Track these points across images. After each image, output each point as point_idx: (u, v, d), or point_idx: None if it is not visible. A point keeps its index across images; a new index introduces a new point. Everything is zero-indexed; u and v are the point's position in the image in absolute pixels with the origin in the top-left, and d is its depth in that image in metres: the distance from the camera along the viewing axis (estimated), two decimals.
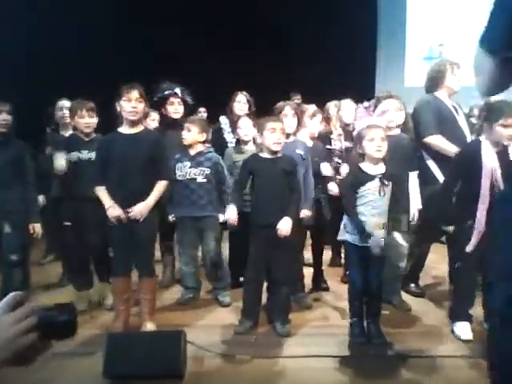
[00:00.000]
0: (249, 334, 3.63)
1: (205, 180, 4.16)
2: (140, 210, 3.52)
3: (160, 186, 3.62)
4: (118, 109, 3.60)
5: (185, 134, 4.20)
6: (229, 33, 8.22)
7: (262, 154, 3.72)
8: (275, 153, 3.66)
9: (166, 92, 4.63)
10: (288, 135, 3.98)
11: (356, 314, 3.53)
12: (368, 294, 3.51)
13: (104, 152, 3.61)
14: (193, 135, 4.19)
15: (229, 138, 5.00)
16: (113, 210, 3.50)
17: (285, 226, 3.55)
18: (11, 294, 0.98)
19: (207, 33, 8.24)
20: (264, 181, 3.64)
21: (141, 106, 3.59)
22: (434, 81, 4.31)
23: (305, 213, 3.97)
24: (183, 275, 4.37)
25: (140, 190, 3.54)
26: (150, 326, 3.64)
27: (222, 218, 4.15)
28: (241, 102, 5.03)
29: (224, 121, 5.12)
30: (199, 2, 8.46)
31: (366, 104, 4.42)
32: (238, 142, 4.65)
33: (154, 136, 3.79)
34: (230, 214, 3.73)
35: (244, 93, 5.07)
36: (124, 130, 3.63)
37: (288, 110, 4.16)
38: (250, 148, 4.43)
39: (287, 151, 3.80)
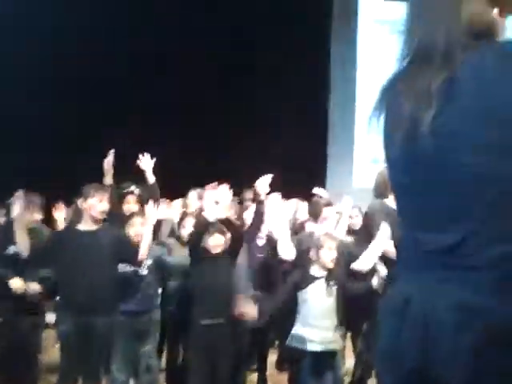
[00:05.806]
0: None
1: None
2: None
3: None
4: (84, 206, 3.54)
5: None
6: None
7: None
8: None
9: (124, 191, 4.64)
10: None
11: None
12: None
13: (57, 248, 3.50)
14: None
15: None
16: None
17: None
18: None
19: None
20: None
21: (108, 206, 3.56)
22: (382, 189, 4.41)
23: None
24: None
25: (103, 287, 3.42)
26: None
27: None
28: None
29: None
30: None
31: (337, 209, 4.46)
32: None
33: (115, 231, 3.71)
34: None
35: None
36: (84, 226, 3.56)
37: None
38: None
39: None
